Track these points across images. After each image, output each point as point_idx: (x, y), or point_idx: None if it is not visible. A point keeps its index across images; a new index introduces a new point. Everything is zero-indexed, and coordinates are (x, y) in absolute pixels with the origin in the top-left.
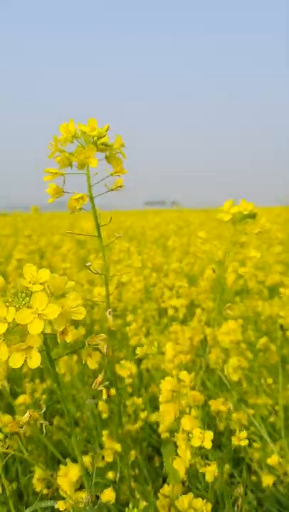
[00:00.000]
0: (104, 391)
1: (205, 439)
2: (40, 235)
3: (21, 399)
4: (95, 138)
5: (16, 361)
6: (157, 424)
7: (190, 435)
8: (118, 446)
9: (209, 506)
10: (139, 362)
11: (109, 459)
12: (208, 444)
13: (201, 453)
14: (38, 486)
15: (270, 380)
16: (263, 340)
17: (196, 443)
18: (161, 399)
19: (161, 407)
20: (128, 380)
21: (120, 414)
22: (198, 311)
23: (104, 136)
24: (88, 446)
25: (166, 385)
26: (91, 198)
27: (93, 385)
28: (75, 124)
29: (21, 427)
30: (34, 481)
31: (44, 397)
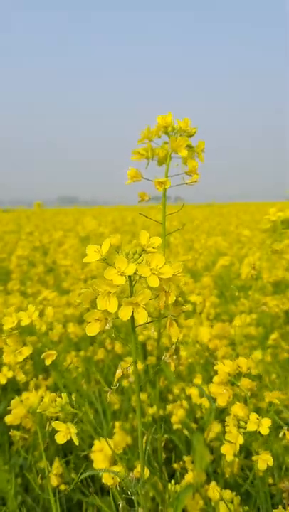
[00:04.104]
0: (172, 364)
1: (262, 424)
2: (44, 232)
3: (25, 395)
4: (186, 134)
5: (125, 314)
6: (164, 419)
7: (241, 422)
8: (128, 439)
9: (238, 499)
10: (144, 357)
11: (118, 451)
12: (265, 430)
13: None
14: (55, 481)
15: (274, 375)
16: (274, 335)
17: (251, 427)
18: (216, 380)
19: (214, 389)
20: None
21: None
22: (207, 304)
23: (193, 135)
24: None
25: (224, 367)
26: (164, 189)
27: (164, 356)
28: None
29: (116, 385)
30: (51, 475)
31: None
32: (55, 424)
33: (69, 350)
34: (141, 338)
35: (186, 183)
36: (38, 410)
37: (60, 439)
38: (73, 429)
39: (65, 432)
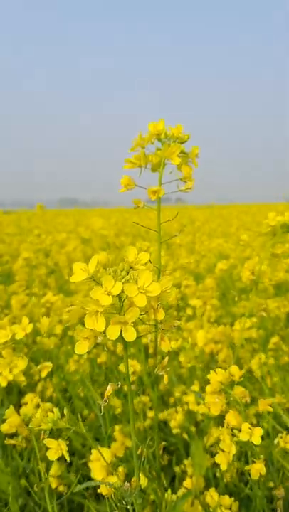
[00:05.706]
0: (165, 377)
1: (254, 434)
2: (46, 233)
3: (28, 397)
4: (179, 141)
5: (113, 333)
6: (165, 423)
7: (234, 431)
8: (128, 442)
9: (236, 505)
10: (146, 360)
11: (120, 453)
12: (257, 440)
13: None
14: (54, 483)
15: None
16: (275, 339)
17: (244, 437)
18: (208, 389)
19: (208, 398)
20: (132, 378)
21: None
22: (208, 307)
23: (186, 141)
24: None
25: (216, 376)
26: (158, 197)
27: (156, 369)
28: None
29: (105, 401)
30: (49, 477)
31: (55, 395)
32: (46, 441)
33: (71, 354)
34: (144, 340)
35: (181, 191)
36: (30, 426)
37: (52, 455)
38: (64, 446)
39: (56, 449)
